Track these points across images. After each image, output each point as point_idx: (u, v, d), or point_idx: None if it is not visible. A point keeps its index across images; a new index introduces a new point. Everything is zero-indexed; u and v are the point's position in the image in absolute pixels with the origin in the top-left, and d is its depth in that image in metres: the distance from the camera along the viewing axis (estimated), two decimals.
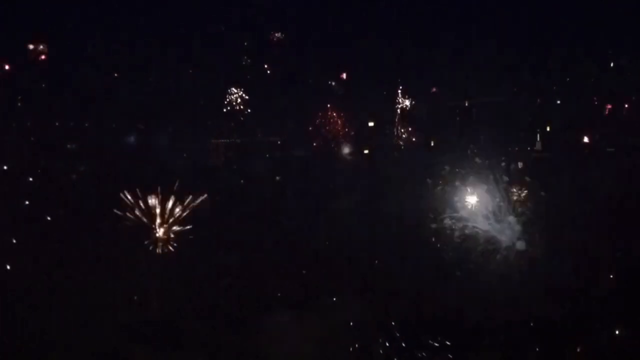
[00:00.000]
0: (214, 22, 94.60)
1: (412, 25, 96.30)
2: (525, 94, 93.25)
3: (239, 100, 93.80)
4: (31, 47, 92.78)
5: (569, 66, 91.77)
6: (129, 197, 75.62)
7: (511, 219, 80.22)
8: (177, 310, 69.77)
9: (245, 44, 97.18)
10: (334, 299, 71.45)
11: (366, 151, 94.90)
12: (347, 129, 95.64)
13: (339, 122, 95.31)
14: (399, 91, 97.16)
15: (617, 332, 72.41)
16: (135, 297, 73.30)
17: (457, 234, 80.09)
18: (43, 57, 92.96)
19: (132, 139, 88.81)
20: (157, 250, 76.45)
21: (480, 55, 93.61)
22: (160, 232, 77.24)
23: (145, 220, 76.94)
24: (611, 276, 77.04)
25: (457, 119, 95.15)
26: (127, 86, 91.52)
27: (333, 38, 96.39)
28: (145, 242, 76.04)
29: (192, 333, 66.68)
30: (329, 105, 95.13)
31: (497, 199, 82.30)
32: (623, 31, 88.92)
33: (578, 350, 69.75)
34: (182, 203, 77.32)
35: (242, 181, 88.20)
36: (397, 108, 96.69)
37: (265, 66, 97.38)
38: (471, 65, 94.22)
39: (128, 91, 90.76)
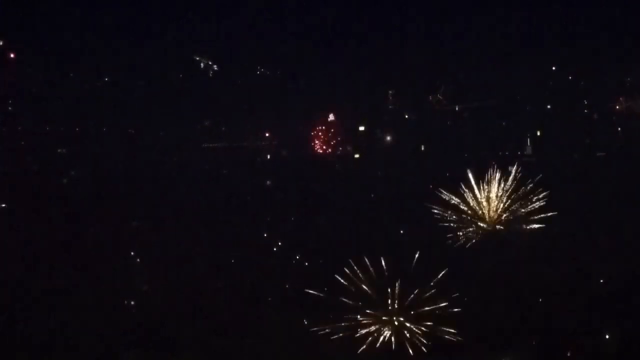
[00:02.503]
0: (204, 25, 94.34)
1: (404, 29, 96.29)
2: (516, 98, 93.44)
3: (230, 103, 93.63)
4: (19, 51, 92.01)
5: (561, 71, 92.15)
6: None
7: (505, 222, 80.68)
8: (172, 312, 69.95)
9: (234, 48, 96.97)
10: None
11: (357, 155, 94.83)
12: (337, 133, 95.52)
13: (330, 125, 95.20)
14: (390, 95, 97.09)
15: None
16: (130, 302, 73.45)
17: (451, 236, 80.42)
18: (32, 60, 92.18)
19: (123, 143, 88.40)
20: None
21: (471, 59, 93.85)
22: None
23: None
24: (601, 280, 77.55)
25: (448, 122, 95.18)
26: (118, 89, 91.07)
27: (325, 41, 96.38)
28: None
29: (188, 336, 66.99)
30: (320, 109, 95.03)
31: (489, 202, 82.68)
32: (616, 37, 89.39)
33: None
34: None
35: (233, 185, 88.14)
36: (388, 112, 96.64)
37: (257, 70, 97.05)
38: (462, 69, 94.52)
39: (119, 94, 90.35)
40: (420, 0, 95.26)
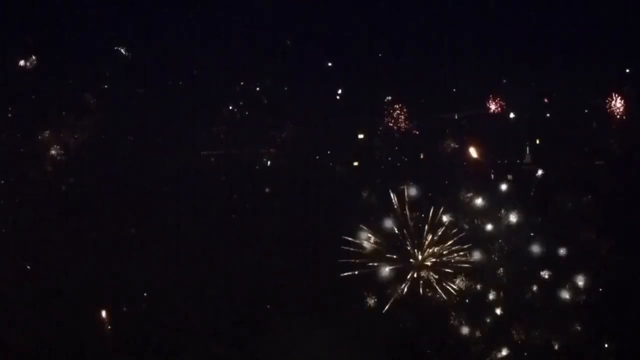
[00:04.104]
0: (204, 32, 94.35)
1: (403, 37, 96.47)
2: (515, 106, 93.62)
3: (229, 111, 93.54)
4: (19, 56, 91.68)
5: (560, 78, 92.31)
6: None
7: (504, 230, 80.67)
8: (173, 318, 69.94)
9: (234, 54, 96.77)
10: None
11: (356, 163, 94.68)
12: (336, 140, 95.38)
13: (329, 133, 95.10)
14: (389, 103, 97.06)
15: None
16: (126, 308, 73.29)
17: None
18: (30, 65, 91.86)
19: (122, 148, 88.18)
20: None
21: (470, 67, 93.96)
22: None
23: None
24: (601, 289, 77.49)
25: (447, 131, 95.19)
26: (116, 96, 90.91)
27: (322, 47, 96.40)
28: None
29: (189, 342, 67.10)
30: (319, 116, 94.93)
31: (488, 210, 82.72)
32: (615, 45, 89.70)
33: None
34: None
35: (231, 193, 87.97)
36: (387, 120, 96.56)
37: (255, 75, 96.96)
38: (461, 76, 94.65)
39: (117, 101, 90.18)
40: (420, 7, 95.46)
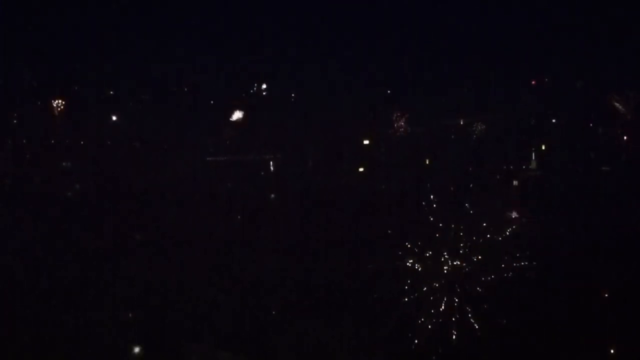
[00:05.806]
0: (211, 38, 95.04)
1: (410, 45, 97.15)
2: (521, 113, 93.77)
3: (234, 117, 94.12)
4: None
5: (564, 85, 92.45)
6: None
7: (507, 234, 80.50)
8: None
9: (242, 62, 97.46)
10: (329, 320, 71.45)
11: (361, 169, 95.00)
12: (343, 146, 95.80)
13: (335, 139, 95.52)
14: (395, 109, 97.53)
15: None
16: (131, 314, 73.39)
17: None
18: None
19: (127, 156, 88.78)
20: None
21: (476, 74, 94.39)
22: None
23: None
24: (606, 295, 77.16)
25: (453, 137, 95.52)
26: (123, 103, 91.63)
27: (329, 54, 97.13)
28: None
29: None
30: (324, 123, 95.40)
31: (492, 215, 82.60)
32: (618, 52, 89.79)
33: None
34: None
35: (236, 198, 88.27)
36: (393, 126, 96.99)
37: (261, 83, 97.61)
38: (467, 84, 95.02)
39: (124, 109, 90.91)
40: (426, 16, 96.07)
